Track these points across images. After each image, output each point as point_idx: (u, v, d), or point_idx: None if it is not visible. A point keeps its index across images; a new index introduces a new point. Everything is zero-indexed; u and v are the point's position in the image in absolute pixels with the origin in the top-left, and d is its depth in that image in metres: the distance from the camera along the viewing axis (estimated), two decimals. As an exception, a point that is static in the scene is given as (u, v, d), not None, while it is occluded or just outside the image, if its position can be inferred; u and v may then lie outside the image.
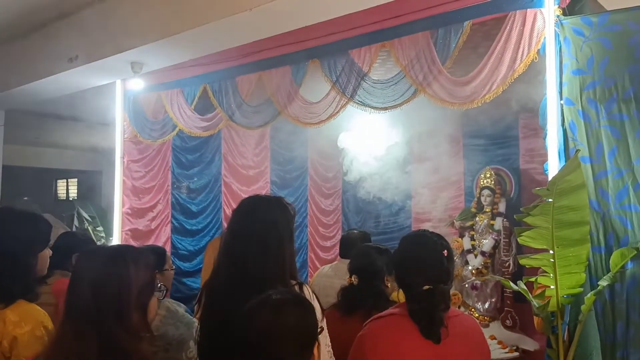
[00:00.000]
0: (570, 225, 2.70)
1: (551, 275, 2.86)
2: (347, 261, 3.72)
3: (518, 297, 5.63)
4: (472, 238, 5.76)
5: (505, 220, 5.67)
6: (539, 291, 2.98)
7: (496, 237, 5.65)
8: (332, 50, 4.17)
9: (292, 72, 4.41)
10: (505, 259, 5.60)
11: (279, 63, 4.48)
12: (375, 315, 2.12)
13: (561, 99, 3.13)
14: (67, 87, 5.69)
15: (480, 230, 5.79)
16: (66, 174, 10.34)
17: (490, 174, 5.79)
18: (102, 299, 1.62)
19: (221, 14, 3.83)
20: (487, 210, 5.77)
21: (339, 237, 6.95)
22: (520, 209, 2.72)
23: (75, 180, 10.56)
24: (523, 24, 3.29)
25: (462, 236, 5.82)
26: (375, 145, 6.28)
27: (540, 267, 3.10)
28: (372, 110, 3.96)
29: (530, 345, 5.03)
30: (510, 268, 5.47)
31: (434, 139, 6.43)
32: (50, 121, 8.18)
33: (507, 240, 5.65)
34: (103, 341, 1.58)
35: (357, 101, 4.03)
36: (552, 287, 2.87)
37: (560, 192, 2.60)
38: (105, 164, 7.19)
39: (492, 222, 5.73)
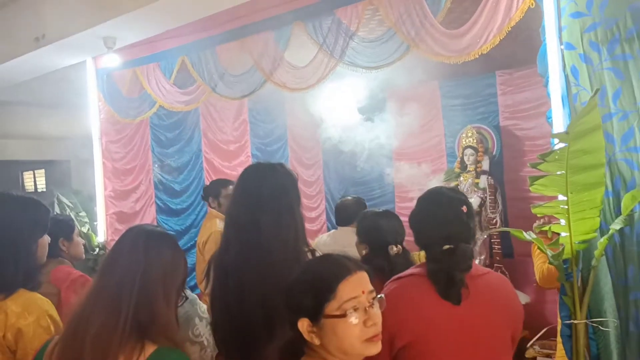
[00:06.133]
0: (585, 169, 2.63)
1: (562, 222, 2.83)
2: (346, 229, 3.74)
3: (506, 252, 5.71)
4: (458, 198, 5.77)
5: (489, 177, 5.71)
6: (553, 239, 2.96)
7: (482, 195, 5.68)
8: (316, 11, 4.04)
9: (275, 36, 4.26)
10: (492, 216, 5.66)
11: (261, 28, 4.33)
12: (395, 276, 2.06)
13: (561, 43, 3.07)
14: (33, 69, 5.39)
15: (465, 190, 5.78)
16: (32, 166, 10.09)
17: (472, 133, 5.79)
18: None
19: (201, -23, 3.66)
20: (471, 169, 5.79)
21: (322, 207, 6.94)
22: (537, 155, 2.66)
23: (43, 171, 10.30)
24: (518, -31, 3.21)
25: (447, 197, 5.82)
26: (352, 113, 6.20)
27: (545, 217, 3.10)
28: (364, 70, 3.86)
29: (522, 298, 5.09)
30: (497, 224, 5.54)
31: (411, 103, 6.39)
32: (9, 109, 7.82)
33: (492, 197, 5.69)
34: (133, 320, 1.55)
35: (346, 62, 3.92)
36: (564, 234, 2.85)
37: (576, 135, 2.54)
38: (74, 151, 6.92)
39: (476, 180, 5.75)
